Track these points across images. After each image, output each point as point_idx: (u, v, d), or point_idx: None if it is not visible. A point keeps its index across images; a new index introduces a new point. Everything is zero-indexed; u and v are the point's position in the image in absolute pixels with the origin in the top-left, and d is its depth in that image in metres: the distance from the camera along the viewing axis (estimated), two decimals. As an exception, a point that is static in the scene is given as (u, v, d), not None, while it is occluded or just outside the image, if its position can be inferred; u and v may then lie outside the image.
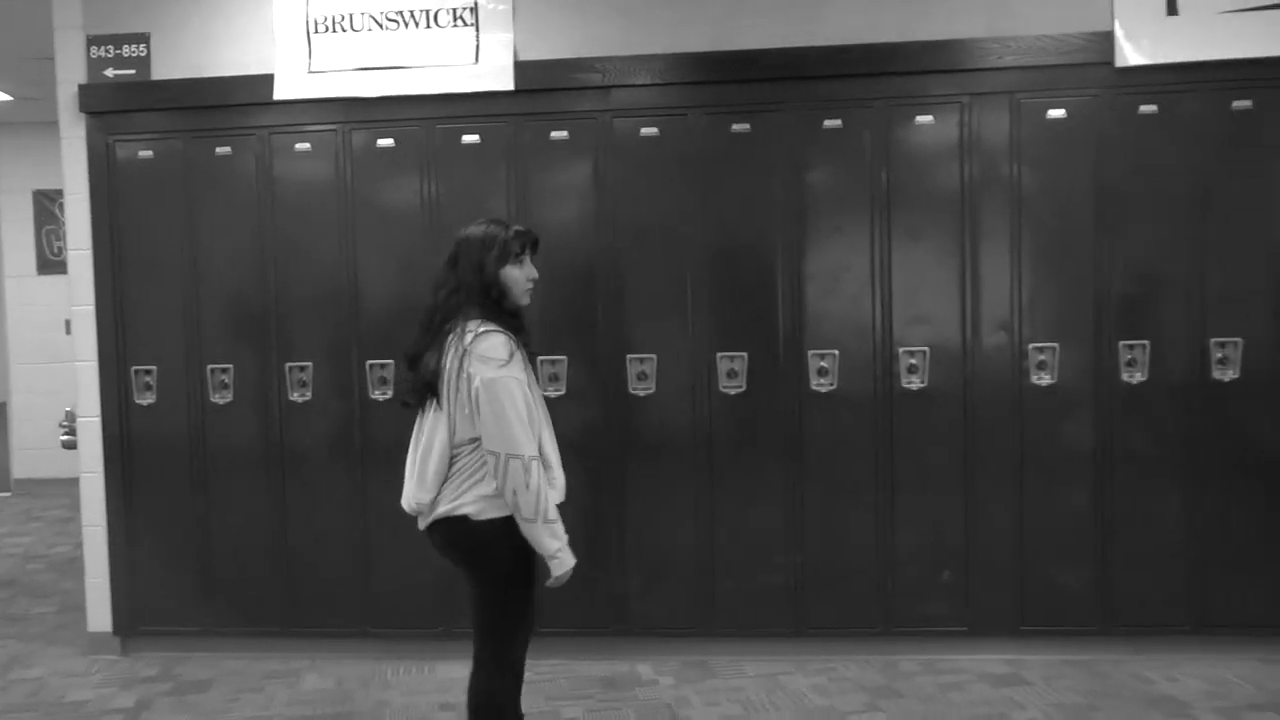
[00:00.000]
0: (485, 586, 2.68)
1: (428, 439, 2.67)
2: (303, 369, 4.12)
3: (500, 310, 2.64)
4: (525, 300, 2.73)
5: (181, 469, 4.18)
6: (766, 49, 3.93)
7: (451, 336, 2.60)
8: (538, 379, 2.81)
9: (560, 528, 2.60)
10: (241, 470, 4.16)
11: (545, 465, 2.63)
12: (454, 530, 2.66)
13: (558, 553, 2.59)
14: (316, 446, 4.14)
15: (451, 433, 2.61)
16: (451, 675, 4.00)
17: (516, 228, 2.74)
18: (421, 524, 2.73)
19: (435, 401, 2.65)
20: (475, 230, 2.72)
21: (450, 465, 2.63)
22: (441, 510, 2.66)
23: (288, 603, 4.16)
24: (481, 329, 2.58)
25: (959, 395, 3.95)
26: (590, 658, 4.07)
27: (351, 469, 4.12)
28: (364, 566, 4.13)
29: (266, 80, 4.06)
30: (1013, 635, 4.00)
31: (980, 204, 3.93)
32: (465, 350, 2.56)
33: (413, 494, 2.71)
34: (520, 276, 2.70)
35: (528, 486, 2.53)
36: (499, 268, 2.66)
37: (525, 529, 2.57)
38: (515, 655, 2.72)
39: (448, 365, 2.59)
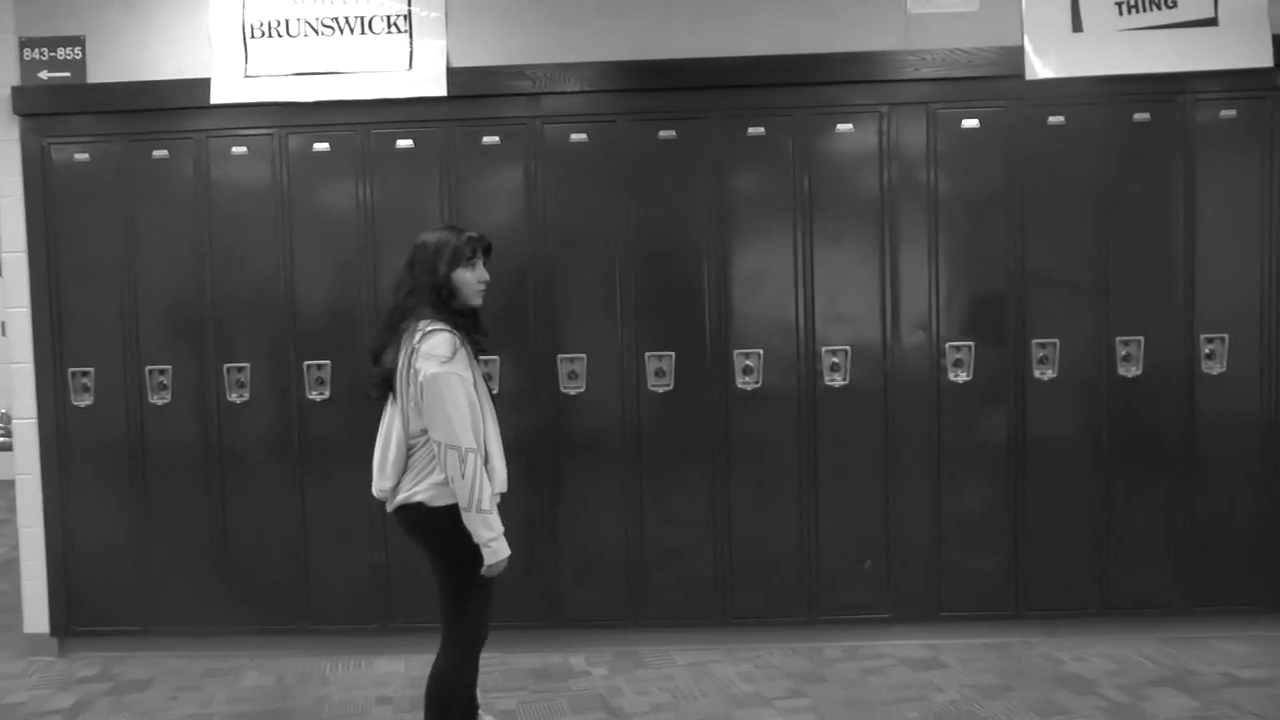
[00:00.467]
0: (447, 569, 2.86)
1: (386, 430, 2.89)
2: (240, 370, 4.17)
3: (450, 310, 2.84)
4: (477, 301, 2.93)
5: (120, 470, 4.21)
6: (692, 58, 4.07)
7: (406, 334, 2.81)
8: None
9: (494, 518, 2.77)
10: (180, 471, 4.20)
11: (487, 458, 2.81)
12: (412, 516, 2.86)
13: (489, 542, 2.76)
14: (255, 447, 4.19)
15: (406, 424, 2.82)
16: (389, 669, 4.08)
17: (470, 234, 2.94)
18: (389, 509, 2.93)
19: (392, 395, 2.87)
20: (430, 235, 2.94)
21: (409, 455, 2.84)
22: (401, 497, 2.86)
23: (227, 601, 4.21)
24: (429, 328, 2.78)
25: (880, 392, 4.11)
26: (524, 650, 4.17)
27: (289, 469, 4.18)
28: (302, 564, 4.19)
29: (203, 84, 4.10)
30: (932, 621, 4.18)
31: (899, 209, 4.10)
32: (414, 348, 2.77)
33: (375, 481, 2.92)
34: (471, 279, 2.91)
35: (462, 476, 2.73)
36: (450, 270, 2.86)
37: (463, 516, 2.76)
38: (480, 635, 2.91)
39: (401, 361, 2.80)
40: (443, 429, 2.74)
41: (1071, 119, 4.08)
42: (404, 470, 2.87)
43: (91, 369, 4.19)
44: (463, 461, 2.72)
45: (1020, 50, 4.08)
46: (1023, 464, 4.13)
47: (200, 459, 4.19)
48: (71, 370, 4.19)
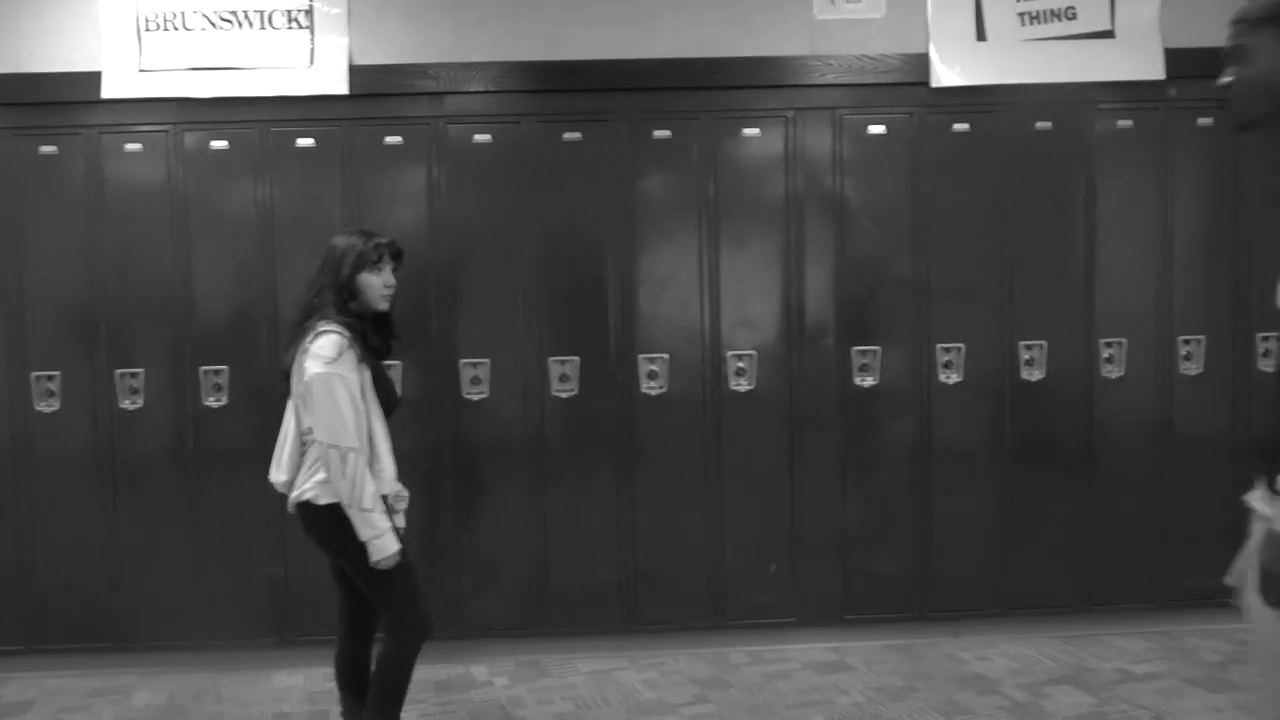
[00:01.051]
0: (351, 566, 2.91)
1: (284, 425, 2.98)
2: (134, 375, 4.03)
3: (349, 313, 2.90)
4: (383, 305, 3.00)
5: (3, 479, 4.04)
6: (598, 60, 4.04)
7: (306, 333, 2.88)
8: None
9: (377, 517, 2.83)
10: (69, 480, 4.04)
11: (374, 457, 2.87)
12: (303, 513, 2.93)
13: (371, 540, 2.83)
14: (149, 455, 4.05)
15: (299, 421, 2.91)
16: (287, 683, 3.98)
17: (379, 239, 3.00)
18: (288, 506, 2.97)
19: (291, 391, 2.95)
20: (341, 238, 3.01)
21: (303, 451, 2.92)
22: (294, 494, 2.93)
23: (118, 617, 4.05)
24: (322, 328, 2.86)
25: (785, 397, 4.12)
26: (425, 661, 4.00)
27: (185, 478, 4.05)
28: (198, 577, 4.06)
29: (95, 78, 3.97)
30: (838, 624, 4.19)
31: (805, 214, 4.12)
32: (305, 347, 2.86)
33: (271, 472, 2.99)
34: (377, 283, 2.97)
35: (344, 474, 2.79)
36: (353, 274, 2.93)
37: (347, 513, 2.82)
38: (414, 621, 2.96)
39: (297, 359, 2.88)
40: (324, 428, 2.81)
41: (976, 126, 4.14)
42: (299, 466, 2.94)
43: (-27, 374, 4.03)
44: (343, 460, 2.79)
45: (926, 58, 4.14)
46: (928, 467, 4.17)
47: (91, 468, 4.03)
48: (-48, 374, 4.02)
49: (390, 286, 3.00)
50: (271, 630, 4.07)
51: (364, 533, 2.82)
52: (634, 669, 4.04)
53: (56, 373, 4.02)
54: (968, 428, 4.18)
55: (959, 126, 4.14)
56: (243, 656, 4.09)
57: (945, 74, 4.15)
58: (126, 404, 4.02)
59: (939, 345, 4.15)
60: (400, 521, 3.13)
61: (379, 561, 2.84)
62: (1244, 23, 1.91)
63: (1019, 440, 4.18)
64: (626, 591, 4.12)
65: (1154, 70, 4.15)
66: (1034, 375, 4.17)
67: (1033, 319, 4.17)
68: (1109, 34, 4.20)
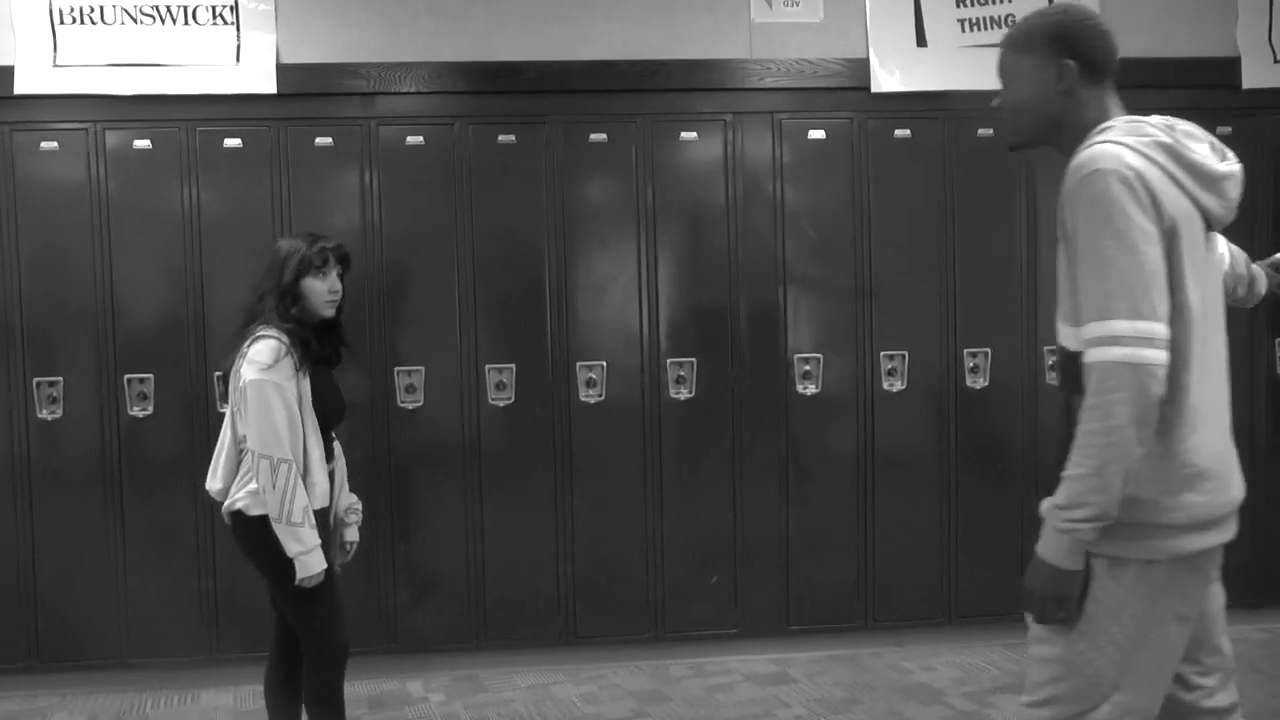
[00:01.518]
0: (271, 580, 2.84)
1: (222, 431, 2.89)
2: (53, 384, 3.87)
3: (290, 318, 2.81)
4: (327, 311, 2.90)
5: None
6: (531, 61, 3.96)
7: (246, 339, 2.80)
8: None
9: (306, 532, 2.73)
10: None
11: (306, 469, 2.78)
12: (234, 523, 2.84)
13: (299, 556, 2.72)
14: (69, 467, 3.89)
15: (235, 428, 2.82)
16: (216, 703, 3.84)
17: (323, 242, 2.89)
18: (223, 514, 2.88)
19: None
20: (285, 241, 2.95)
21: (240, 460, 2.82)
22: (226, 503, 2.84)
23: (35, 636, 3.88)
24: (260, 333, 2.78)
25: (726, 404, 4.06)
26: (359, 677, 3.92)
27: (109, 490, 3.89)
28: (120, 593, 3.90)
29: (6, 72, 3.81)
30: (780, 635, 4.14)
31: (745, 219, 4.06)
32: (242, 352, 2.77)
33: (208, 479, 2.90)
34: (321, 288, 2.87)
35: (273, 486, 2.70)
36: (295, 278, 2.84)
37: (274, 527, 2.72)
38: (334, 644, 2.88)
39: (235, 364, 2.80)
40: (255, 436, 2.73)
41: (918, 132, 4.11)
42: (235, 474, 2.85)
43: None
44: (274, 471, 2.70)
45: (866, 63, 4.10)
46: (871, 475, 4.13)
47: (5, 481, 3.86)
48: None
49: (336, 293, 2.90)
50: (201, 647, 3.93)
51: (290, 548, 2.72)
52: (572, 683, 3.95)
53: (59, 379, 3.86)
54: (912, 436, 4.15)
55: (900, 132, 4.11)
56: (170, 676, 3.95)
57: (885, 79, 4.12)
58: (45, 414, 3.86)
59: (882, 353, 4.11)
60: (353, 535, 3.08)
61: (304, 580, 2.74)
62: (1008, 47, 1.99)
63: (964, 447, 4.16)
64: (565, 604, 4.03)
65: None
66: (978, 383, 4.14)
67: (977, 326, 4.14)
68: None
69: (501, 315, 3.99)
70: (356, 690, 3.88)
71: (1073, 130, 1.89)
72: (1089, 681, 1.85)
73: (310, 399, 2.83)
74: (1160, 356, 1.73)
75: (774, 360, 4.08)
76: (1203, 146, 1.89)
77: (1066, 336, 1.89)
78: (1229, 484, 1.90)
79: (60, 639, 3.91)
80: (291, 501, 2.70)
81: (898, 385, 4.12)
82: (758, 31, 4.11)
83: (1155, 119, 1.88)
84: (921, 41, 4.16)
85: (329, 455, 2.93)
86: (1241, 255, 2.27)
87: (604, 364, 4.01)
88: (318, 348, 2.89)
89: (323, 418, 2.87)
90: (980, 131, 4.12)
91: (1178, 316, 1.79)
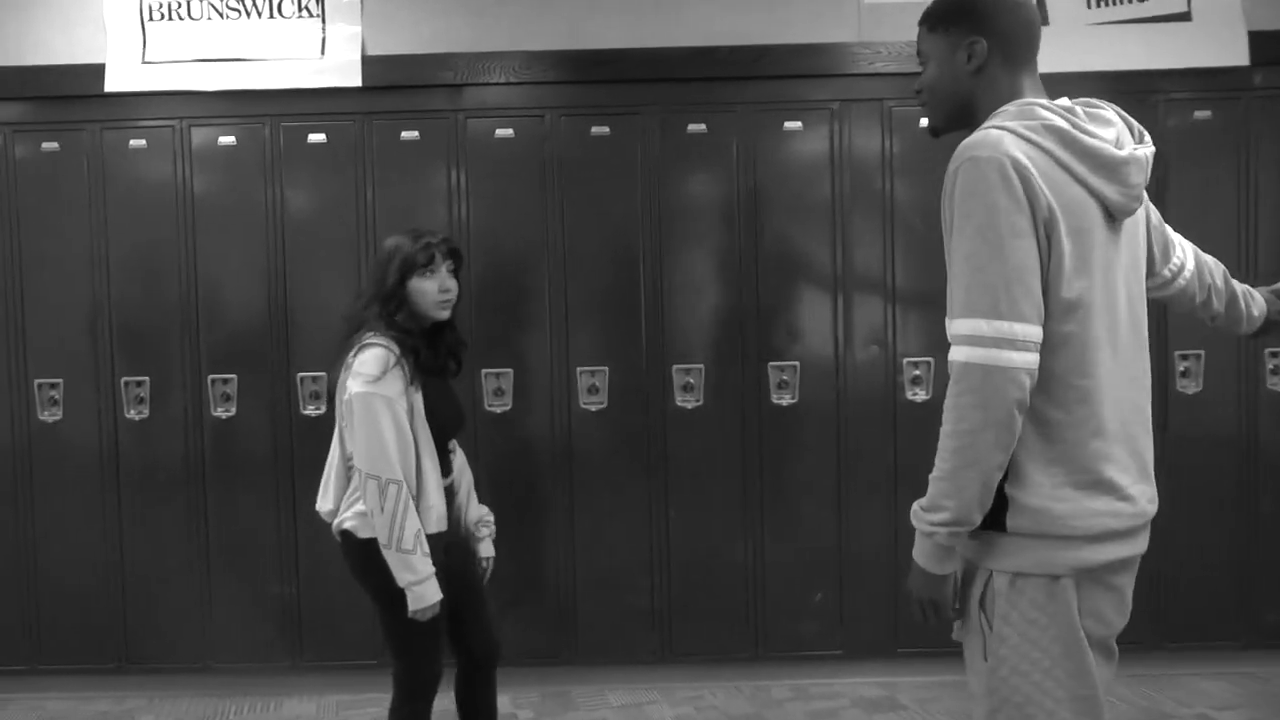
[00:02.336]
0: (378, 604, 2.66)
1: (331, 448, 2.71)
2: (140, 384, 3.82)
3: (397, 325, 2.61)
4: (440, 314, 2.68)
5: (5, 491, 3.84)
6: (625, 48, 3.75)
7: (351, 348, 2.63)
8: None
9: (417, 559, 2.53)
10: (73, 492, 3.83)
11: (420, 492, 2.59)
12: (343, 543, 2.68)
13: (411, 586, 2.54)
14: (156, 468, 3.83)
15: (343, 443, 2.64)
16: (298, 712, 3.75)
17: (428, 238, 2.67)
18: (334, 533, 2.73)
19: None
20: (388, 240, 2.73)
21: (349, 479, 2.64)
22: (335, 522, 2.68)
23: (124, 637, 3.85)
24: (366, 341, 2.59)
25: (831, 411, 3.81)
26: (444, 690, 3.82)
27: (193, 492, 3.82)
28: (205, 597, 3.84)
29: (96, 70, 3.76)
30: (888, 657, 3.87)
31: (851, 213, 3.81)
32: (347, 362, 2.59)
33: (318, 500, 2.74)
34: (430, 289, 2.65)
35: (381, 509, 2.51)
36: (400, 280, 2.63)
37: (383, 553, 2.54)
38: (426, 675, 2.71)
39: (341, 376, 2.61)
40: (363, 455, 2.54)
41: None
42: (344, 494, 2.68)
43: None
44: (382, 493, 2.51)
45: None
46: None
47: (97, 480, 3.82)
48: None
49: (447, 292, 2.67)
50: (284, 654, 3.85)
51: (402, 577, 2.52)
52: (668, 703, 3.76)
53: (60, 380, 3.83)
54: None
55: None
56: (253, 682, 3.87)
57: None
58: (133, 414, 3.82)
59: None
60: (487, 549, 2.91)
61: (417, 612, 2.55)
62: (923, 24, 1.92)
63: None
64: (661, 619, 3.83)
65: (1236, 56, 3.79)
66: (1189, 388, 3.82)
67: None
68: (1185, 16, 3.84)
69: (594, 316, 3.81)
70: (441, 703, 3.74)
71: (984, 115, 1.78)
72: (1023, 712, 1.74)
73: (423, 412, 2.63)
74: (1023, 359, 1.64)
75: (881, 364, 3.82)
76: (1108, 130, 1.77)
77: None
78: (1137, 494, 1.78)
79: (147, 640, 3.87)
80: (402, 526, 2.51)
81: (1191, 388, 3.81)
82: (867, 13, 3.85)
83: (1061, 101, 1.78)
84: (1044, 19, 3.85)
85: (446, 469, 2.74)
86: (1219, 267, 2.11)
87: (701, 367, 3.79)
88: (429, 356, 2.67)
89: (438, 431, 2.68)
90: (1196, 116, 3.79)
91: (1067, 314, 1.69)
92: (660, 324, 3.79)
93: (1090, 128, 1.74)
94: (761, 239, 3.80)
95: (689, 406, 3.79)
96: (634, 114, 3.77)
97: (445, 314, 2.70)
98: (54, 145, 3.81)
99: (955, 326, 1.68)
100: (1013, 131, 1.69)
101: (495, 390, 3.79)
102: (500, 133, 3.78)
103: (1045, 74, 3.74)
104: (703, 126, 3.78)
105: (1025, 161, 1.66)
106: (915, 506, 1.76)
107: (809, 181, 3.82)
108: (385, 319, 2.62)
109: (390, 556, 2.53)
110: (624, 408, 3.79)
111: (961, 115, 1.84)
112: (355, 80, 3.74)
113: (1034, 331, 1.65)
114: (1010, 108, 1.75)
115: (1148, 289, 1.91)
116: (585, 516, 3.82)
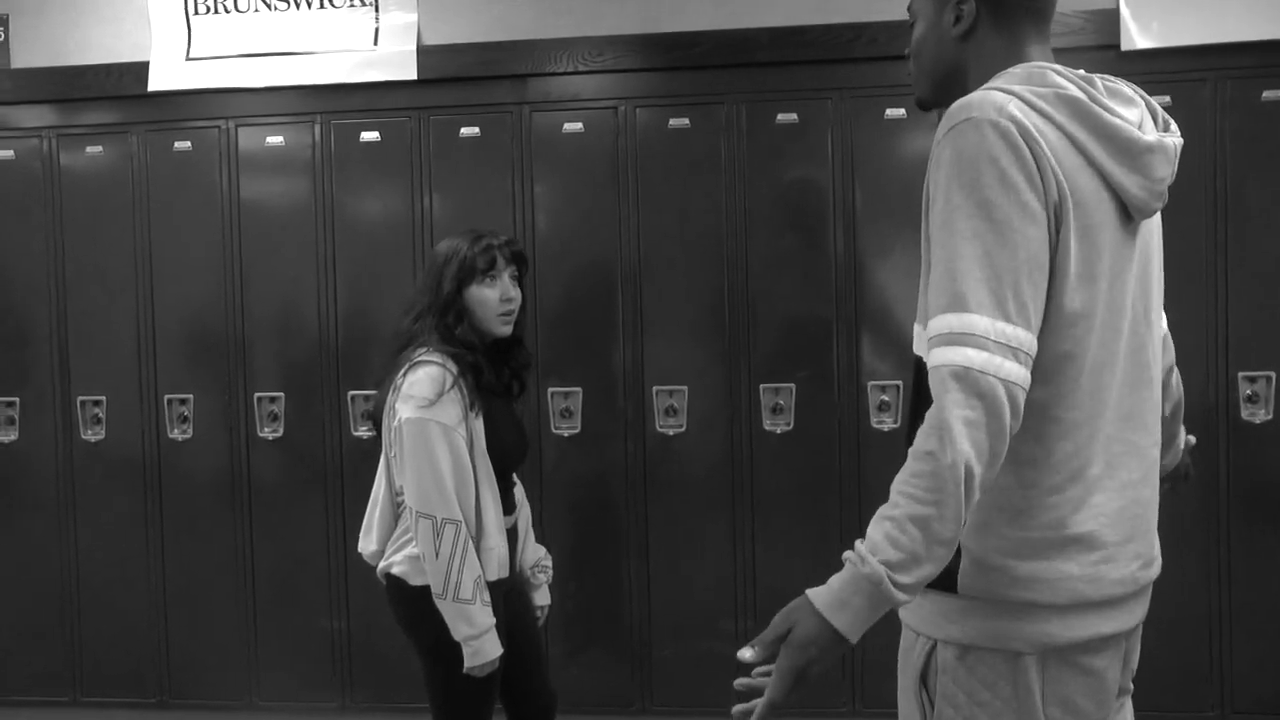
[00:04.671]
0: (425, 660, 2.36)
1: (376, 482, 2.42)
2: (183, 402, 3.59)
3: (456, 340, 2.31)
4: (501, 328, 2.37)
5: (47, 518, 3.65)
6: (706, 30, 3.38)
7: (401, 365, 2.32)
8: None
9: (478, 611, 2.21)
10: (114, 515, 3.64)
11: (480, 532, 2.29)
12: (390, 590, 2.37)
13: (468, 640, 2.23)
14: (204, 487, 3.60)
15: (390, 476, 2.34)
16: (349, 758, 3.48)
17: (488, 239, 2.34)
18: (378, 575, 2.42)
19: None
20: (442, 243, 2.42)
21: (397, 513, 2.35)
22: (381, 565, 2.37)
23: (167, 671, 3.64)
24: (418, 359, 2.27)
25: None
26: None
27: (238, 516, 3.58)
28: (247, 631, 3.59)
29: (139, 69, 3.55)
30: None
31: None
32: (397, 383, 2.28)
33: (360, 541, 2.43)
34: (491, 297, 2.34)
35: (436, 554, 2.21)
36: (458, 288, 2.32)
37: (437, 603, 2.23)
38: None
39: (389, 399, 2.30)
40: (414, 491, 2.23)
41: (1180, 99, 3.30)
42: (391, 533, 2.38)
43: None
44: (437, 535, 2.19)
45: (1115, 14, 3.33)
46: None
47: (139, 500, 3.62)
48: None
49: (510, 301, 2.36)
50: (330, 694, 3.58)
51: (459, 630, 2.22)
52: (751, 763, 3.37)
53: (103, 397, 3.62)
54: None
55: (1156, 99, 3.27)
56: (301, 721, 3.62)
57: (1139, 34, 3.34)
58: (176, 433, 3.60)
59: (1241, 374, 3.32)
60: (544, 597, 2.57)
61: (474, 669, 2.24)
62: None
63: (1237, 493, 3.34)
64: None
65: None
66: (1258, 415, 3.31)
67: (1256, 344, 3.31)
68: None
69: (671, 329, 3.43)
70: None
71: (977, 86, 1.45)
72: None
73: (483, 441, 2.30)
74: (1022, 374, 1.30)
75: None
76: (1131, 110, 1.45)
77: (920, 343, 1.44)
78: (1126, 556, 1.43)
79: (190, 674, 3.66)
80: (460, 573, 2.19)
81: (1260, 414, 3.31)
82: (976, -15, 3.41)
83: (1077, 70, 1.44)
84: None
85: (508, 506, 2.40)
86: (1178, 391, 1.81)
87: (791, 387, 3.39)
88: (492, 376, 2.34)
89: (499, 461, 2.34)
90: (1266, 94, 3.30)
91: (1063, 330, 1.37)
92: (747, 339, 3.40)
93: (1110, 103, 1.41)
94: (859, 242, 3.38)
95: (778, 430, 3.39)
96: (716, 103, 3.39)
97: (508, 328, 2.37)
98: (98, 149, 3.61)
99: (943, 323, 1.32)
100: (1019, 96, 1.37)
101: (563, 411, 3.44)
102: (569, 127, 3.43)
103: (1190, 47, 3.31)
104: (793, 116, 3.37)
105: (1035, 133, 1.34)
106: (877, 559, 1.29)
107: (914, 176, 3.37)
108: (441, 333, 2.31)
109: (445, 607, 2.22)
110: (704, 431, 3.41)
111: (949, 86, 1.52)
112: (410, 73, 3.44)
113: (1033, 343, 1.33)
114: (1016, 70, 1.43)
115: None
116: (660, 550, 3.45)
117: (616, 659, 3.50)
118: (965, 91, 1.47)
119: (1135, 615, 1.47)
